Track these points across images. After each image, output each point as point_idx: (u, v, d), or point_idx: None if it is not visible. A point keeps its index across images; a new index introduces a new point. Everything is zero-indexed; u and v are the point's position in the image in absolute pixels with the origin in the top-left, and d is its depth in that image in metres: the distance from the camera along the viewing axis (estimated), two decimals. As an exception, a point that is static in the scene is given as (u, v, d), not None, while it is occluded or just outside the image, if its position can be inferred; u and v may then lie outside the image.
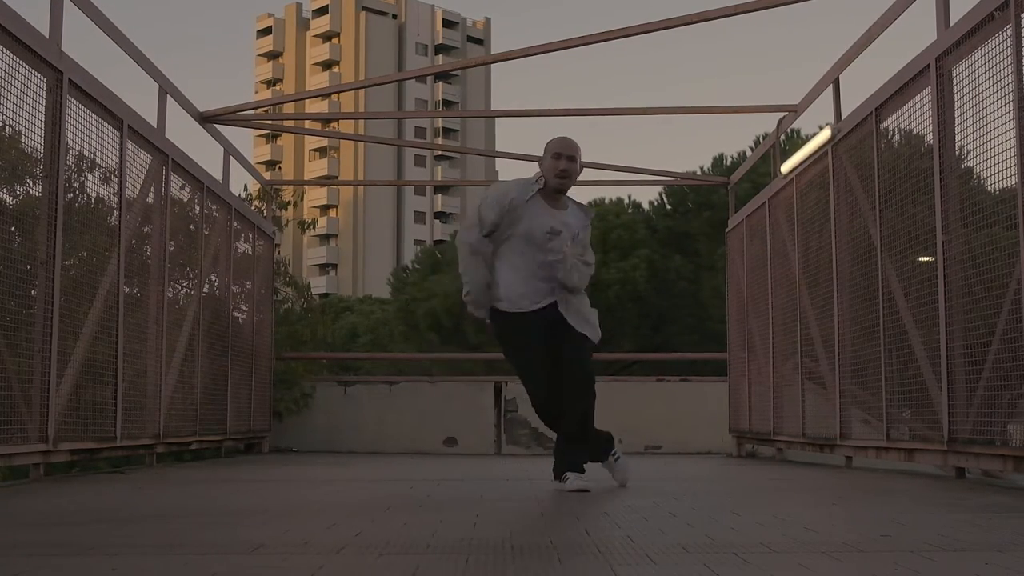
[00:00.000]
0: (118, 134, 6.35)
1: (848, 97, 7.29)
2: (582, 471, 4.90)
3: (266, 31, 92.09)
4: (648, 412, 10.75)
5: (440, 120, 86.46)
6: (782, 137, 9.14)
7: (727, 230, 10.50)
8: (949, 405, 5.28)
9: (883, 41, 6.76)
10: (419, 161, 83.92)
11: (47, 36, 5.43)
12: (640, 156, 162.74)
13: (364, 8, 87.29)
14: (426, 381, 11.78)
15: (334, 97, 71.17)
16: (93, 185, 6.13)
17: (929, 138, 5.58)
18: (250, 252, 9.70)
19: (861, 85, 6.86)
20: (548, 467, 5.09)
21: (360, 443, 10.51)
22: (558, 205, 5.04)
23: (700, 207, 25.03)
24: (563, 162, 4.96)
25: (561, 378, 4.92)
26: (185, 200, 7.90)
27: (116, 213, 6.33)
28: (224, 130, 9.18)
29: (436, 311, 24.59)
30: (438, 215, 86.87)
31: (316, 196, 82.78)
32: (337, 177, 79.25)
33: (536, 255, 4.95)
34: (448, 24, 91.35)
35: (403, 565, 2.52)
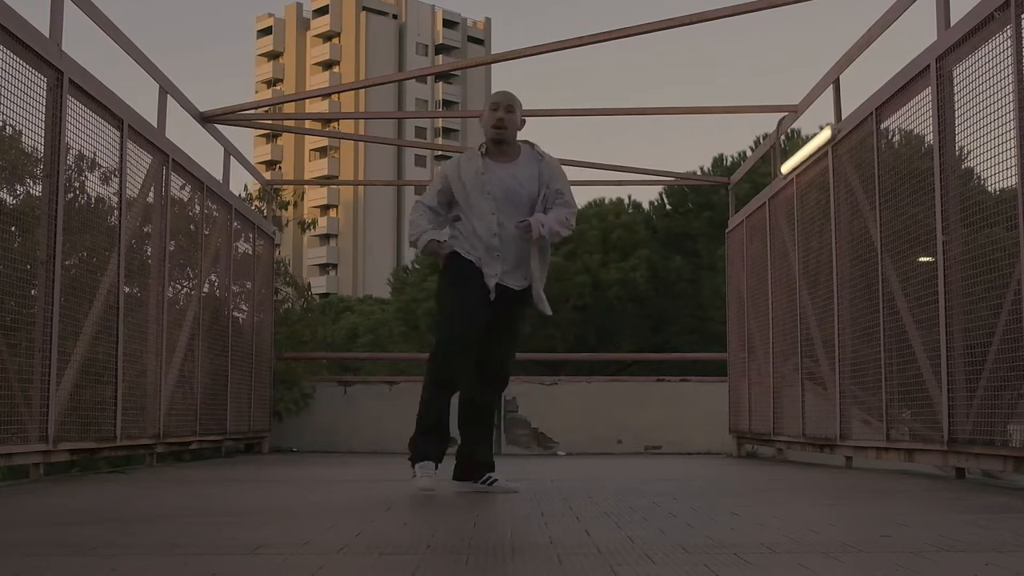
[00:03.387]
0: (118, 134, 6.35)
1: (848, 97, 7.30)
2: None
3: (266, 31, 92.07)
4: (648, 412, 10.75)
5: (440, 120, 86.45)
6: (782, 137, 9.14)
7: (727, 230, 10.50)
8: (949, 405, 5.27)
9: (883, 41, 6.77)
10: (419, 161, 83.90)
11: (47, 36, 5.43)
12: (640, 156, 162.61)
13: (364, 8, 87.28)
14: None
15: (334, 97, 71.16)
16: (93, 185, 6.13)
17: (929, 138, 5.58)
18: (250, 252, 9.70)
19: (861, 85, 6.87)
20: (547, 467, 5.09)
21: (360, 443, 10.51)
22: (508, 158, 4.87)
23: (700, 207, 25.05)
24: (500, 112, 4.85)
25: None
26: (185, 200, 7.90)
27: (116, 213, 6.33)
28: (224, 130, 9.19)
29: (436, 311, 24.54)
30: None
31: (316, 196, 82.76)
32: (337, 177, 79.25)
33: (490, 220, 4.78)
34: (448, 24, 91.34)
35: (403, 565, 2.52)
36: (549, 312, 4.95)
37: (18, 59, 5.10)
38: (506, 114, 4.86)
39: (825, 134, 7.29)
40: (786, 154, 8.77)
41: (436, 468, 4.75)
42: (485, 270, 4.79)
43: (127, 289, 6.51)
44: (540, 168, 4.87)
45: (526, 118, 5.06)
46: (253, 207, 10.69)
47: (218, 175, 8.78)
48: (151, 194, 7.03)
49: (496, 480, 4.85)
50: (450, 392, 4.83)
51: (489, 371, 4.91)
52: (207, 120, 8.90)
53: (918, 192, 5.73)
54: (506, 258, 4.79)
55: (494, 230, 4.76)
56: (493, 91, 5.04)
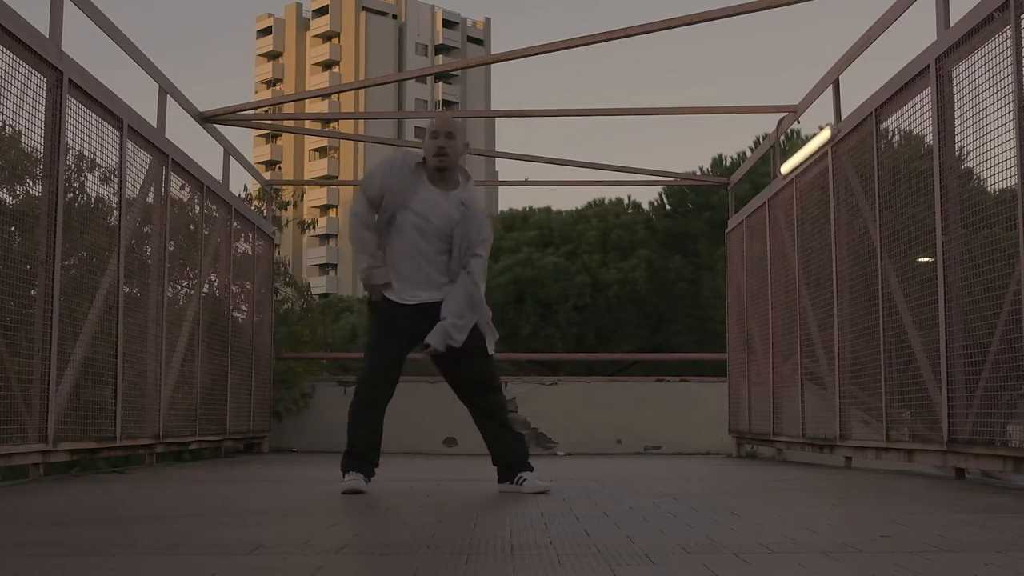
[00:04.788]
0: (118, 134, 6.35)
1: (848, 98, 7.30)
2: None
3: (266, 31, 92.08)
4: (648, 412, 10.75)
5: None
6: (782, 138, 9.13)
7: (727, 231, 10.50)
8: (949, 405, 5.27)
9: (883, 42, 6.77)
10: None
11: (47, 36, 5.43)
12: (640, 156, 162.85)
13: (364, 8, 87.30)
14: (426, 381, 11.79)
15: (334, 97, 71.15)
16: (93, 185, 6.13)
17: (929, 139, 5.58)
18: (250, 252, 9.70)
19: (861, 86, 6.87)
20: (547, 468, 5.08)
21: (360, 443, 10.48)
22: (448, 185, 4.84)
23: (700, 207, 25.05)
24: (441, 139, 4.77)
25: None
26: (185, 200, 7.90)
27: (116, 213, 6.33)
28: (224, 130, 9.19)
29: (436, 311, 24.52)
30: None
31: (316, 196, 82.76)
32: (337, 177, 79.24)
33: (426, 246, 4.80)
34: (448, 24, 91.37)
35: (403, 565, 2.52)
36: (490, 351, 4.94)
37: (18, 59, 5.09)
38: (447, 141, 4.79)
39: (825, 134, 7.29)
40: (786, 154, 8.77)
41: (367, 480, 4.85)
42: (405, 299, 4.82)
43: (127, 289, 6.51)
44: (464, 212, 4.81)
45: (468, 143, 5.02)
46: (253, 207, 10.69)
47: (218, 175, 8.78)
48: (151, 194, 7.03)
49: (525, 480, 4.84)
50: (372, 415, 4.92)
51: (471, 390, 4.95)
52: (207, 120, 8.90)
53: (918, 192, 5.73)
54: (423, 283, 4.82)
55: (419, 261, 4.79)
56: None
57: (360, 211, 4.86)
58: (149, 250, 7.11)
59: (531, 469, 4.91)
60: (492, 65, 78.66)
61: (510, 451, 4.95)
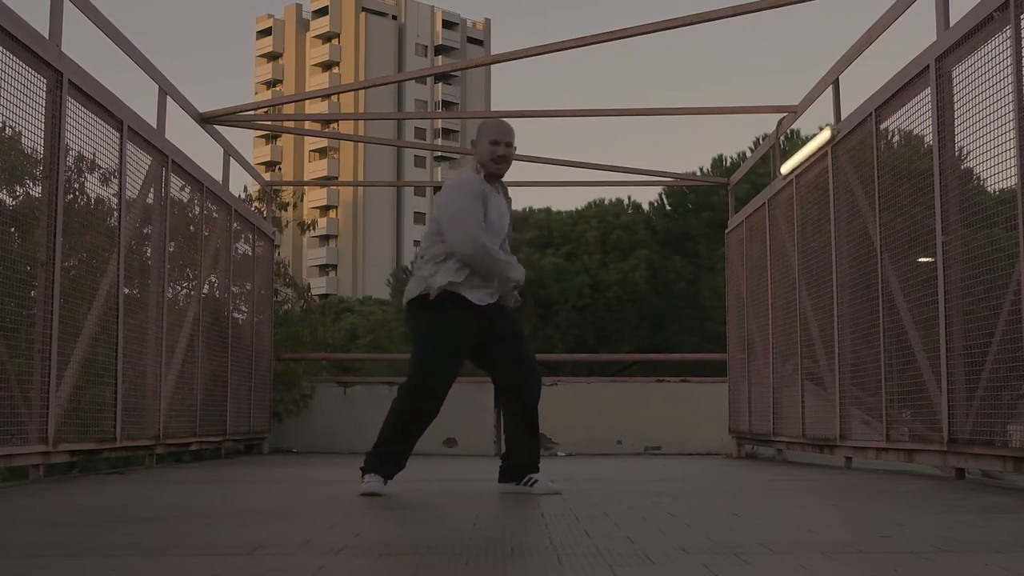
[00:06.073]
0: (118, 135, 6.35)
1: (848, 98, 7.30)
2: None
3: (266, 32, 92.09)
4: (648, 412, 10.74)
5: (440, 121, 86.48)
6: (782, 138, 9.13)
7: (727, 231, 10.50)
8: (949, 406, 5.27)
9: (883, 42, 6.77)
10: (419, 162, 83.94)
11: (47, 37, 5.43)
12: (640, 157, 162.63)
13: (364, 9, 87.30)
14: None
15: (334, 98, 71.15)
16: (93, 186, 6.13)
17: (929, 139, 5.58)
18: (250, 253, 9.70)
19: (861, 86, 6.87)
20: (547, 468, 5.07)
21: (360, 444, 10.41)
22: (500, 187, 4.95)
23: (700, 208, 25.07)
24: (501, 148, 4.79)
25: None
26: (185, 201, 7.90)
27: (116, 214, 6.33)
28: (224, 131, 9.19)
29: (436, 312, 24.53)
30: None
31: (316, 197, 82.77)
32: (337, 178, 79.28)
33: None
34: (448, 25, 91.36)
35: (403, 566, 2.52)
36: (512, 302, 5.03)
37: (18, 60, 5.09)
38: (507, 150, 4.82)
39: (824, 134, 7.29)
40: (786, 155, 8.76)
41: (385, 483, 4.70)
42: (478, 301, 4.79)
43: (127, 290, 6.51)
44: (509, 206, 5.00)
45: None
46: (253, 208, 10.69)
47: (218, 176, 8.78)
48: (151, 195, 7.03)
49: (536, 481, 4.78)
50: (418, 430, 4.78)
51: (526, 375, 4.89)
52: (207, 121, 8.90)
53: (918, 192, 5.73)
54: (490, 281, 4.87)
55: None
56: (492, 120, 4.98)
57: (481, 228, 4.75)
58: (149, 251, 7.11)
59: (539, 471, 4.86)
60: (492, 66, 78.71)
61: (527, 454, 4.87)
